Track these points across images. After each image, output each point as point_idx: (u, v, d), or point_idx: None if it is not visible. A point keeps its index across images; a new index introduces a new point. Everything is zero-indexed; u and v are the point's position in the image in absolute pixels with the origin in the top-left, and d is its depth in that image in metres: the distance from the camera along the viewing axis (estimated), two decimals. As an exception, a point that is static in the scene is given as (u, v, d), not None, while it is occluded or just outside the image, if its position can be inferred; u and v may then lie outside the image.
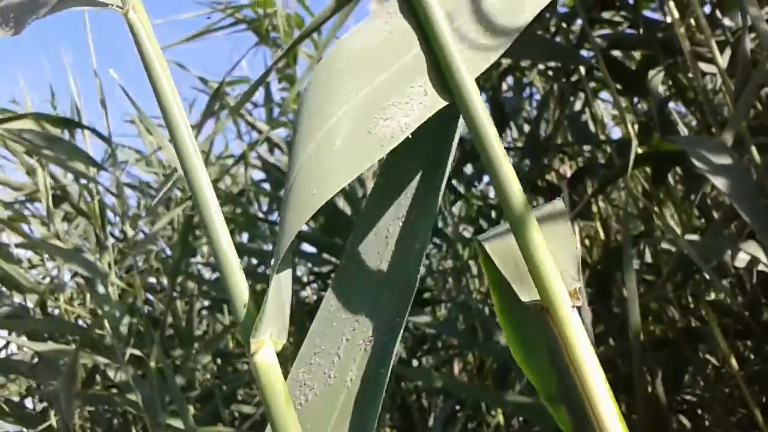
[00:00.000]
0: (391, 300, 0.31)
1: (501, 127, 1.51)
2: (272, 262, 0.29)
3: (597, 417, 0.27)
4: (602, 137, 1.35)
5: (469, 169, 1.67)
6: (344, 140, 0.31)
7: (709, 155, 0.79)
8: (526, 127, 1.60)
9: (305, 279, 1.64)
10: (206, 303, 2.02)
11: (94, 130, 1.24)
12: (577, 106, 1.44)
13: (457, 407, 1.32)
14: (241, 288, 0.29)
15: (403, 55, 0.33)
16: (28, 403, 1.94)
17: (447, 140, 0.35)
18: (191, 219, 1.52)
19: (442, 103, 0.32)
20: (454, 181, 1.64)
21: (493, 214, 1.53)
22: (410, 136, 0.32)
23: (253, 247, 1.88)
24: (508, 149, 1.49)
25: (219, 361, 1.94)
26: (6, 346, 1.94)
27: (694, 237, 0.94)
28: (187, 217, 1.51)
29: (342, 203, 1.65)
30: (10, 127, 1.15)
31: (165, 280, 2.07)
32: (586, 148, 1.44)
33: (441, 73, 0.32)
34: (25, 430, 1.56)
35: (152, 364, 1.29)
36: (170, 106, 0.30)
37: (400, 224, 0.34)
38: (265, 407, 0.26)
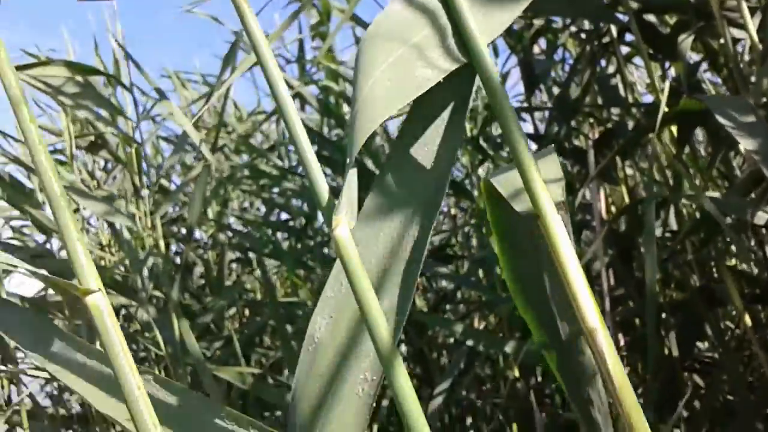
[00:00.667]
0: (418, 206, 0.39)
1: (530, 88, 1.51)
2: (347, 163, 0.38)
3: (578, 308, 0.31)
4: (631, 101, 1.35)
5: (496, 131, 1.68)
6: (391, 81, 0.40)
7: (734, 114, 0.80)
8: (556, 90, 1.61)
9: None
10: (237, 255, 2.08)
11: (117, 79, 1.26)
12: (609, 70, 1.44)
13: (475, 363, 1.36)
14: (322, 184, 0.38)
15: (433, 23, 0.43)
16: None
17: (467, 89, 0.43)
18: (208, 169, 1.55)
19: (463, 61, 0.41)
20: (482, 143, 1.66)
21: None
22: (440, 82, 0.40)
23: (280, 202, 1.92)
24: (536, 109, 1.50)
25: (247, 311, 2.01)
26: (45, 289, 2.03)
27: (716, 194, 0.95)
28: (205, 168, 1.54)
29: (370, 164, 1.68)
30: (38, 74, 1.19)
31: (199, 231, 2.14)
32: (615, 111, 1.44)
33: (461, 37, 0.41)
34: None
35: (171, 305, 1.34)
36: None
37: (427, 149, 0.41)
38: (345, 274, 0.33)
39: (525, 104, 1.55)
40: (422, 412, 0.32)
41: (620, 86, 1.39)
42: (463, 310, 1.63)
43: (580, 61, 1.44)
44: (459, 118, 0.42)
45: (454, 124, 0.41)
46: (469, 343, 1.17)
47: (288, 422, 0.38)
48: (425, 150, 0.41)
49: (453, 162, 0.40)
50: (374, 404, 0.35)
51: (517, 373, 1.34)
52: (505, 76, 1.77)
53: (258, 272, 2.00)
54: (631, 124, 1.39)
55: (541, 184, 0.34)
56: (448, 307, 1.73)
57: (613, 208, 1.65)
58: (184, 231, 2.11)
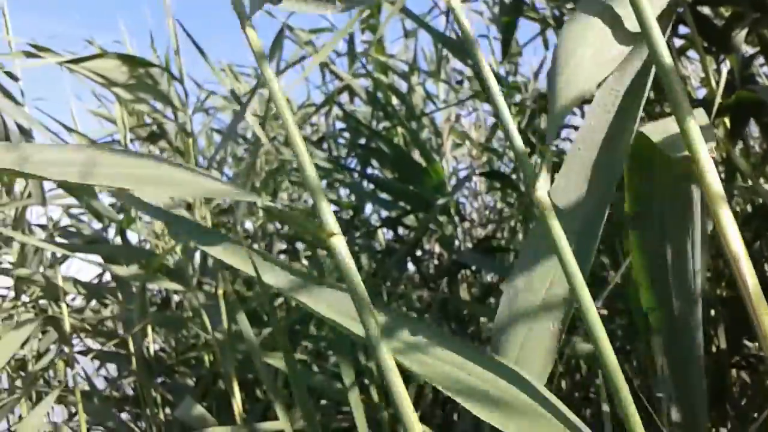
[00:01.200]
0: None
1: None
2: (547, 135, 0.45)
3: (724, 236, 0.39)
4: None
5: (543, 123, 1.67)
6: (590, 59, 0.47)
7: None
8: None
9: (377, 224, 1.70)
10: (285, 246, 2.12)
11: (167, 70, 1.29)
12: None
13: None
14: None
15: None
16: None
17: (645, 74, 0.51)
18: (254, 164, 1.58)
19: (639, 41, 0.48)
20: (530, 136, 1.66)
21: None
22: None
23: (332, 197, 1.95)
24: (587, 102, 1.49)
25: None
26: (101, 275, 2.11)
27: None
28: (251, 163, 1.58)
29: (417, 155, 1.70)
30: (93, 66, 1.24)
31: (249, 222, 2.18)
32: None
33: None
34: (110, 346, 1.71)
35: (220, 291, 1.38)
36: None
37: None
38: (546, 231, 0.41)
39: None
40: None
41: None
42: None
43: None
44: (639, 98, 0.49)
45: (629, 111, 0.50)
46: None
47: (492, 347, 0.48)
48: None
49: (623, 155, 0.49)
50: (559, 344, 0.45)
51: (561, 369, 1.34)
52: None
53: (305, 262, 2.04)
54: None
55: (697, 129, 0.40)
56: (493, 300, 1.74)
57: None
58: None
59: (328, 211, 0.45)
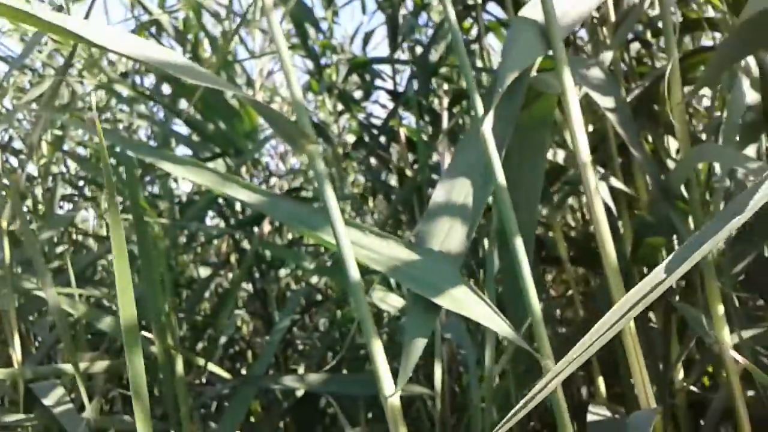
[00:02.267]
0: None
1: (395, 46, 1.56)
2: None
3: (575, 146, 0.39)
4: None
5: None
6: None
7: (586, 73, 0.88)
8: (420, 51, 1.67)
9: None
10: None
11: None
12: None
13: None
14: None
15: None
16: None
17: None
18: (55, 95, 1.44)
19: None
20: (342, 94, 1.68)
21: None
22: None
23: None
24: (397, 62, 1.55)
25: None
26: None
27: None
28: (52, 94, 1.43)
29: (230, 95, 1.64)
30: None
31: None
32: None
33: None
34: None
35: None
36: None
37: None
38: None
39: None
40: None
41: (478, 52, 1.48)
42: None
43: (443, 25, 1.50)
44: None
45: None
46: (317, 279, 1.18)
47: (416, 236, 0.61)
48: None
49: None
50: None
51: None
52: (369, 34, 1.81)
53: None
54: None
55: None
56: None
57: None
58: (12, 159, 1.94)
59: (306, 120, 0.52)
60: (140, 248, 0.80)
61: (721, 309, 0.62)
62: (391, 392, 0.50)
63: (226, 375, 1.11)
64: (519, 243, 0.52)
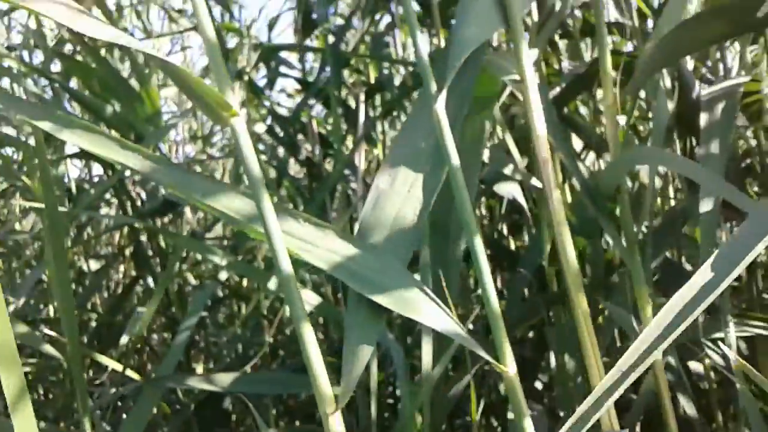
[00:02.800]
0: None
1: (305, 32, 1.52)
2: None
3: (537, 140, 0.39)
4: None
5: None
6: None
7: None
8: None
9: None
10: None
11: None
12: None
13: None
14: None
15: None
16: None
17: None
18: None
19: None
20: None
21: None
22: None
23: None
24: (308, 49, 1.51)
25: None
26: None
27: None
28: None
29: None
30: None
31: None
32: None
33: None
34: None
35: None
36: None
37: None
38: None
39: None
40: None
41: (392, 43, 1.46)
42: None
43: (355, 14, 1.48)
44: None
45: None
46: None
47: (358, 231, 0.54)
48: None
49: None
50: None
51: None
52: (275, 19, 1.76)
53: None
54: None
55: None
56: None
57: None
58: None
59: (228, 88, 0.44)
60: (53, 240, 0.71)
61: (649, 310, 0.63)
62: (332, 410, 0.45)
63: (134, 375, 1.04)
64: (478, 241, 0.48)
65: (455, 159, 0.50)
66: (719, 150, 0.65)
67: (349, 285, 0.50)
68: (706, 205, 0.60)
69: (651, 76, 0.72)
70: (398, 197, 0.54)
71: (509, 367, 0.46)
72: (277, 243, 0.46)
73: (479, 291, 1.05)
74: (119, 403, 1.29)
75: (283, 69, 1.65)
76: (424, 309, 0.48)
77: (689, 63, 0.88)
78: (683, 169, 0.58)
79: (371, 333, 0.50)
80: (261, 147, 1.75)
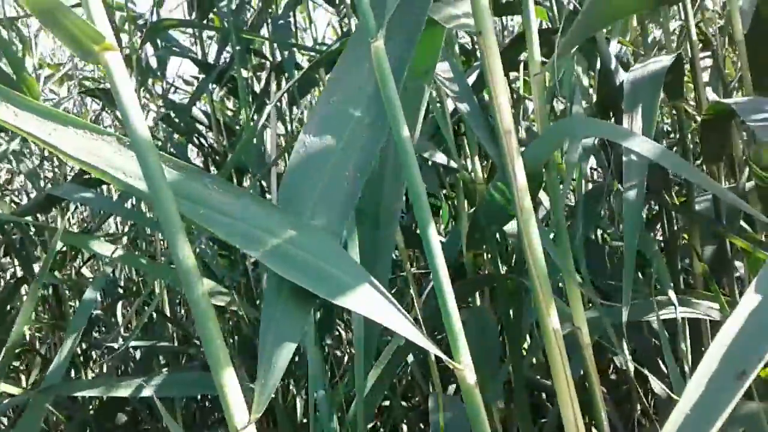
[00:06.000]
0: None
1: (203, 14, 1.43)
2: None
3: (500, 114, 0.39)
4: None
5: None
6: None
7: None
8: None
9: None
10: None
11: None
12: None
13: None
14: None
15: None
16: None
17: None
18: None
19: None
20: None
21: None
22: None
23: None
24: (206, 27, 1.42)
25: None
26: None
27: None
28: None
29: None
30: None
31: None
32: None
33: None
34: None
35: None
36: None
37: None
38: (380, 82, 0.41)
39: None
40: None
41: (293, 25, 1.40)
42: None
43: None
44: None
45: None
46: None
47: (279, 199, 0.44)
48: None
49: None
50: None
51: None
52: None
53: None
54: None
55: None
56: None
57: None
58: None
59: (102, 18, 0.36)
60: None
61: (578, 294, 0.62)
62: (243, 424, 0.37)
63: (11, 388, 0.95)
64: (432, 230, 0.40)
65: (398, 109, 0.39)
66: (642, 129, 0.64)
67: (268, 266, 0.40)
68: (634, 172, 0.59)
69: (573, 47, 0.70)
70: (331, 156, 0.44)
71: (468, 370, 0.41)
72: (168, 209, 0.35)
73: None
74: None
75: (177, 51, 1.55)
76: (368, 301, 0.39)
77: (613, 44, 0.87)
78: (615, 135, 0.55)
79: (294, 329, 0.40)
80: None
